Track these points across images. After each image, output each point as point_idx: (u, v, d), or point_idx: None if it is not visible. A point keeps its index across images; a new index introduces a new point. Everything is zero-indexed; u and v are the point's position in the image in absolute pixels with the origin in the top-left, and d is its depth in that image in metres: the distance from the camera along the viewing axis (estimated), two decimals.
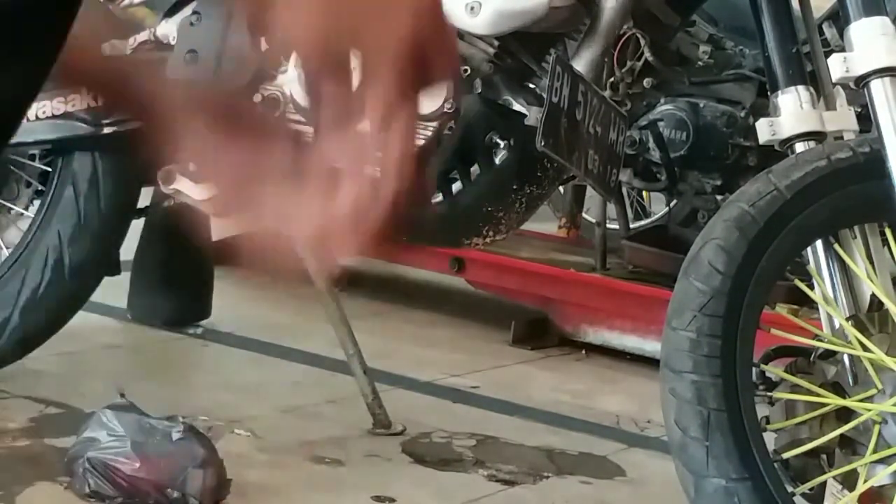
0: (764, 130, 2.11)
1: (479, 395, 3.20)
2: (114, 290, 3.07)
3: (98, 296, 2.63)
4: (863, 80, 1.94)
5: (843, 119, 2.14)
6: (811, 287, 2.00)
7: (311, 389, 2.99)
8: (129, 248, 2.92)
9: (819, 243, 1.99)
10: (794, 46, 2.12)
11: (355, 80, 0.81)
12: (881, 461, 1.89)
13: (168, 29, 2.42)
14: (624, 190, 4.33)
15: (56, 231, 2.47)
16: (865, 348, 1.92)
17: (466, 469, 2.59)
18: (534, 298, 3.92)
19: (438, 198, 2.16)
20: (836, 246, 1.99)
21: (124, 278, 3.20)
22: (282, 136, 0.86)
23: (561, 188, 4.35)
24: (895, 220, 1.99)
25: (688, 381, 1.81)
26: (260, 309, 3.83)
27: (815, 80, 2.18)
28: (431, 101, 2.15)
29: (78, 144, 2.48)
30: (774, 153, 2.13)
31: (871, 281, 1.98)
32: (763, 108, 3.15)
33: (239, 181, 0.86)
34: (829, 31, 3.41)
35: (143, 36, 2.47)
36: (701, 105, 3.77)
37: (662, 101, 3.76)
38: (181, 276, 3.38)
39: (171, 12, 2.44)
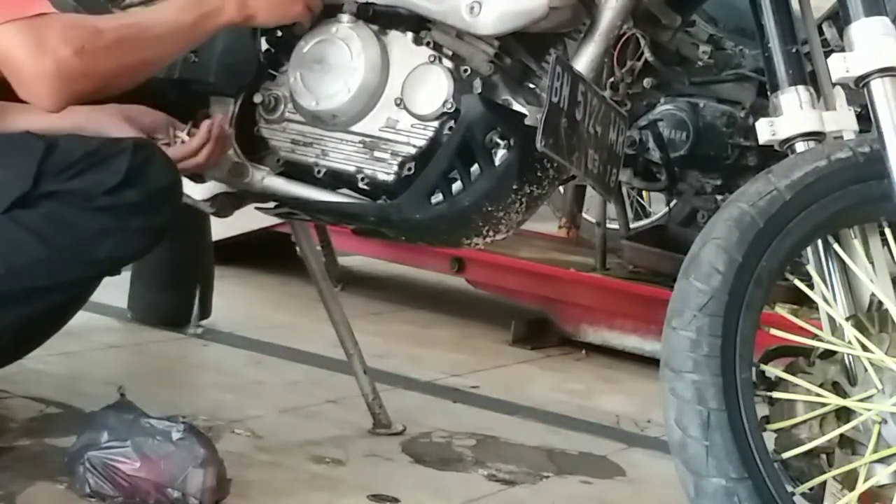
0: (764, 130, 2.11)
1: (479, 395, 3.20)
2: (114, 290, 3.08)
3: (98, 296, 2.62)
4: (863, 80, 1.94)
5: (843, 119, 2.14)
6: (811, 287, 2.00)
7: (311, 389, 3.00)
8: None
9: (819, 243, 1.99)
10: (794, 46, 2.12)
11: None
12: (881, 461, 1.89)
13: None
14: (624, 190, 4.34)
15: None
16: (865, 348, 1.92)
17: (466, 469, 2.59)
18: (534, 298, 3.93)
19: (438, 198, 2.15)
20: (836, 246, 1.99)
21: (124, 278, 3.21)
22: None
23: (561, 188, 4.36)
24: (895, 220, 1.99)
25: (688, 380, 1.81)
26: (260, 309, 3.84)
27: (815, 80, 2.18)
28: (431, 102, 2.15)
29: None
30: (774, 153, 2.13)
31: (871, 281, 1.98)
32: (763, 108, 3.15)
33: None
34: (829, 31, 3.41)
35: None
36: (701, 105, 3.78)
37: (662, 101, 3.77)
38: (181, 276, 3.38)
39: None
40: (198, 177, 2.31)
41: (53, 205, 1.98)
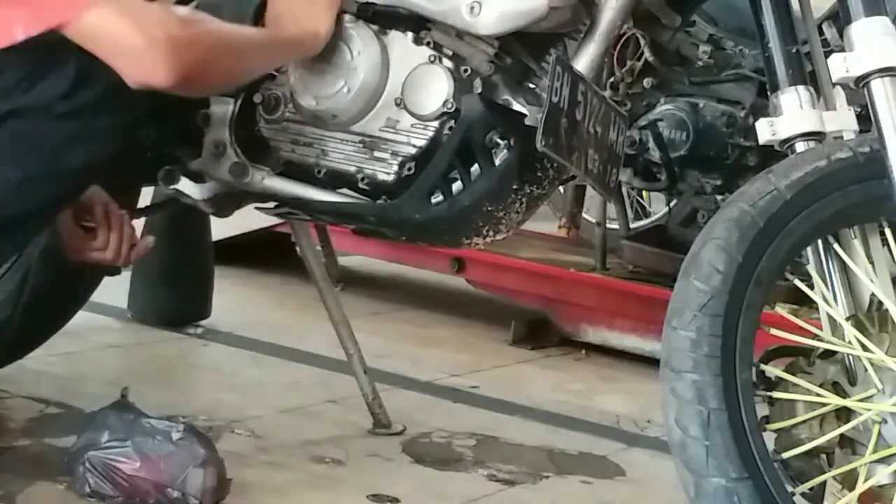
0: (764, 130, 2.11)
1: (479, 395, 3.20)
2: (114, 290, 3.08)
3: (98, 296, 2.63)
4: (863, 80, 1.94)
5: (843, 119, 2.14)
6: (811, 287, 2.00)
7: (311, 389, 3.00)
8: None
9: (819, 243, 1.99)
10: (794, 46, 2.12)
11: None
12: (881, 461, 1.90)
13: None
14: (624, 190, 4.34)
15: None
16: (865, 348, 1.92)
17: (466, 469, 2.59)
18: (534, 298, 3.93)
19: (438, 198, 2.15)
20: (836, 246, 1.99)
21: (124, 278, 3.21)
22: None
23: (561, 188, 4.35)
24: (895, 219, 1.99)
25: (688, 380, 1.81)
26: (260, 309, 3.84)
27: (815, 80, 2.18)
28: (431, 102, 2.15)
29: None
30: (774, 153, 2.13)
31: (871, 281, 1.98)
32: (763, 108, 3.15)
33: None
34: (829, 31, 3.41)
35: None
36: (701, 105, 3.78)
37: (662, 101, 3.76)
38: (181, 276, 3.38)
39: None
40: (198, 176, 2.31)
41: (14, 124, 1.88)
